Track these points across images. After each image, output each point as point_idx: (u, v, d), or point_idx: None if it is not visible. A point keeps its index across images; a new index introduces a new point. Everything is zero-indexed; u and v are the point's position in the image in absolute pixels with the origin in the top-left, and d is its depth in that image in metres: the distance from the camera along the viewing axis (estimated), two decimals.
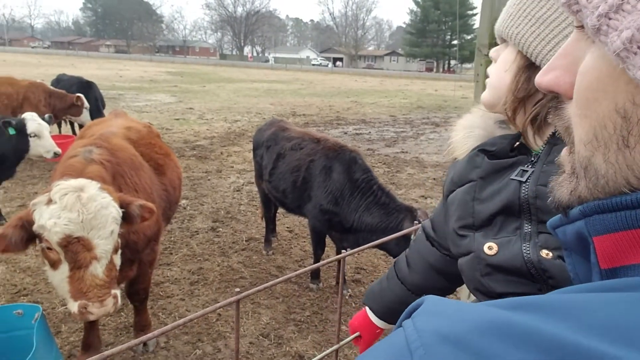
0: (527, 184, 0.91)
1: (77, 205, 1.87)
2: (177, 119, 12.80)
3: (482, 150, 1.04)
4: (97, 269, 1.91)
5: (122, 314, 3.50)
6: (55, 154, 4.98)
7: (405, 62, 77.73)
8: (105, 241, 1.94)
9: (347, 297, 3.98)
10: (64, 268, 1.92)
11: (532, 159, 0.95)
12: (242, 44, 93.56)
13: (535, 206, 0.89)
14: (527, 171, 0.93)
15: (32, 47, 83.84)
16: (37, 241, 1.97)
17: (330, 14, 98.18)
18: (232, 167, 8.10)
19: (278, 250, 4.87)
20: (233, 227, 5.38)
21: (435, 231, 1.25)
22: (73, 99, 7.73)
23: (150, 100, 16.72)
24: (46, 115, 5.43)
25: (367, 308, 1.42)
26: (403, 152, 10.03)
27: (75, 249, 1.88)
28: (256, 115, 14.30)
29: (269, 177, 4.23)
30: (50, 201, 1.89)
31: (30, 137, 4.86)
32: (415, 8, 73.02)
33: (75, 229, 1.87)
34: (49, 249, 1.92)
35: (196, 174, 7.51)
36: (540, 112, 0.93)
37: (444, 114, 16.95)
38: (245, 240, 5.03)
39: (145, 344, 3.11)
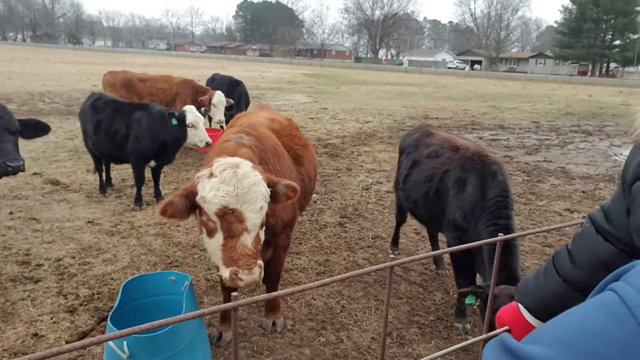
0: None
1: (233, 180, 2.07)
2: (312, 118, 13.37)
3: None
4: (247, 240, 2.08)
5: (255, 293, 3.76)
6: (207, 144, 5.54)
7: (553, 65, 71.09)
8: (255, 215, 2.12)
9: (475, 307, 3.76)
10: (219, 237, 2.13)
11: None
12: (378, 47, 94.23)
13: None
14: None
15: (192, 52, 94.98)
16: (197, 211, 2.21)
17: (471, 15, 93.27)
18: (362, 166, 8.20)
19: (404, 251, 4.80)
20: (360, 224, 5.44)
21: (612, 224, 1.12)
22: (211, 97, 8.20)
23: (288, 100, 17.76)
24: (202, 109, 6.08)
25: (519, 305, 1.32)
26: (546, 160, 9.19)
27: (229, 220, 2.08)
28: (387, 117, 14.30)
29: (402, 185, 4.02)
30: (211, 175, 2.12)
31: (188, 127, 5.46)
32: (570, 5, 66.00)
33: (231, 201, 2.06)
34: (208, 218, 2.13)
35: (327, 170, 7.76)
36: None
37: (598, 122, 15.14)
38: (372, 238, 5.06)
39: (274, 323, 3.29)
